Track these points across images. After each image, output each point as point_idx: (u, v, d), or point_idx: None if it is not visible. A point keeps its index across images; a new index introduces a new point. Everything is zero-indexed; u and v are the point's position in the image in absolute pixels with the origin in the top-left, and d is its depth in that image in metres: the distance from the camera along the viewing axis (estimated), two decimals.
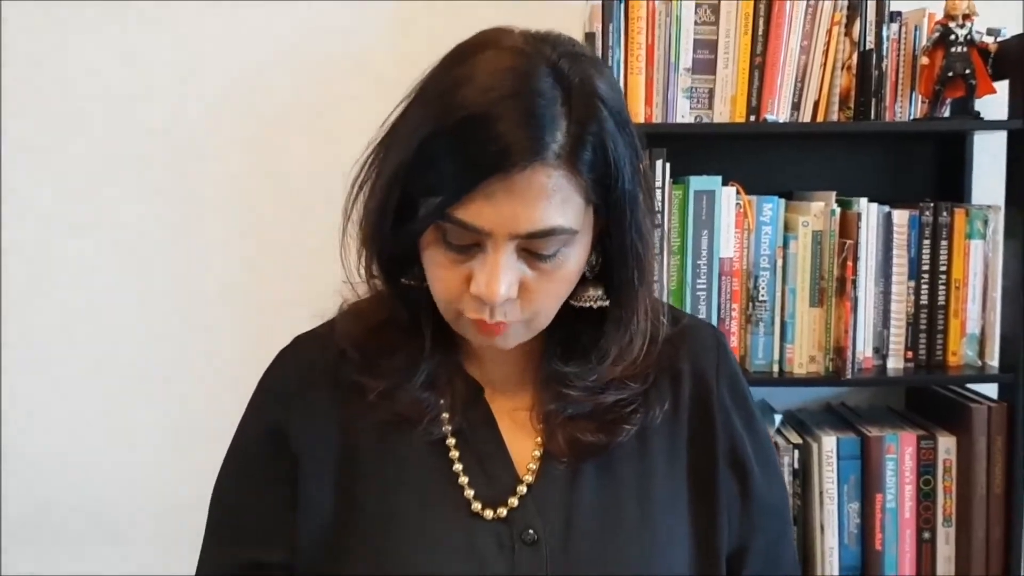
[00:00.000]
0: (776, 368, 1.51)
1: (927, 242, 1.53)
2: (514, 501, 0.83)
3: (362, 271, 0.84)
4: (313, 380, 0.88)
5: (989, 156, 1.62)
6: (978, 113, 1.50)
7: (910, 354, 1.54)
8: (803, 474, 1.54)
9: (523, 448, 0.86)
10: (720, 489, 0.87)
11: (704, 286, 1.48)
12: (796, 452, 1.53)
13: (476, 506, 0.82)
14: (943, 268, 1.53)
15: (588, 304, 0.83)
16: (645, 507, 0.84)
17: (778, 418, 1.59)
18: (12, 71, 1.65)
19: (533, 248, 0.75)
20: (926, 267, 1.53)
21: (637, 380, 0.85)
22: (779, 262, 1.50)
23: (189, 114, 1.67)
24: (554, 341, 0.85)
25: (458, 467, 0.84)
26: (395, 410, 0.84)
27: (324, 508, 0.84)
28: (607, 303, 0.83)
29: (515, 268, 0.75)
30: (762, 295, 1.50)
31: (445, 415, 0.86)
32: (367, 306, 0.88)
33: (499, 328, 0.78)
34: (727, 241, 1.48)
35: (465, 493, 0.83)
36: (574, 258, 0.78)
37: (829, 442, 1.52)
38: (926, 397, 1.66)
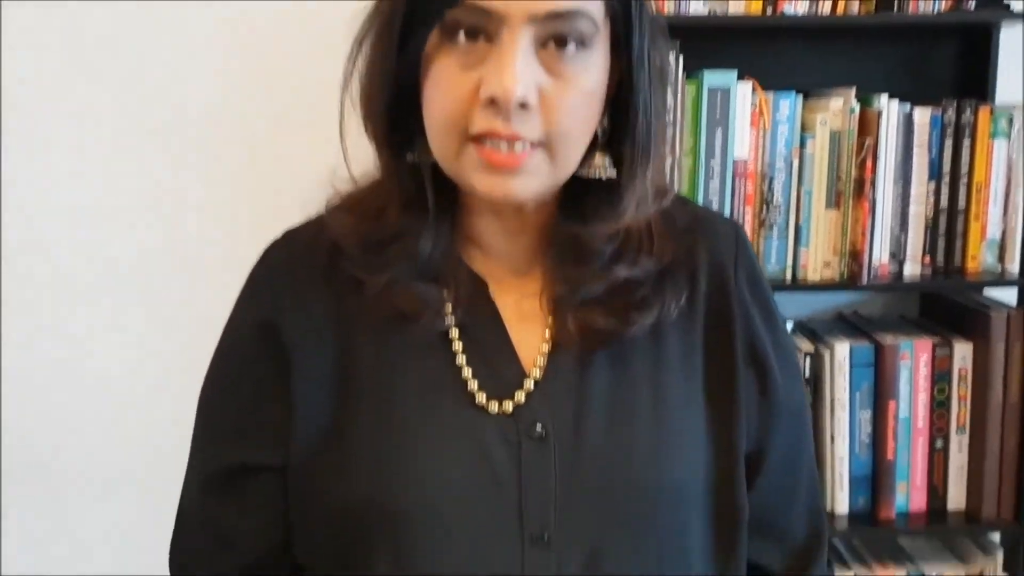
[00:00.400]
0: (789, 274, 1.47)
1: (949, 142, 1.46)
2: (520, 396, 0.79)
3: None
4: (306, 274, 0.83)
5: (1015, 52, 1.55)
6: (1007, 4, 1.42)
7: (928, 259, 1.48)
8: (814, 382, 1.51)
9: (530, 342, 0.81)
10: (739, 387, 0.83)
11: (717, 188, 1.42)
12: (808, 360, 1.50)
13: (480, 399, 0.78)
14: (965, 169, 1.47)
15: (596, 175, 0.78)
16: (659, 403, 0.80)
17: (789, 325, 1.55)
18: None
19: (554, 32, 0.69)
20: (947, 168, 1.47)
21: (651, 258, 0.80)
22: (795, 163, 1.44)
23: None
24: (564, 212, 0.80)
25: (461, 360, 0.80)
26: (393, 304, 0.79)
27: (319, 406, 0.79)
28: (615, 174, 0.78)
29: (533, 66, 0.69)
30: (777, 198, 1.44)
31: (447, 309, 0.81)
32: (361, 196, 0.83)
33: (515, 159, 0.71)
34: (741, 141, 1.41)
35: (468, 387, 0.79)
36: (594, 72, 0.72)
37: (842, 349, 1.48)
38: (941, 305, 1.61)
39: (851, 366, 1.49)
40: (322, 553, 0.80)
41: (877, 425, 1.50)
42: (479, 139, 0.71)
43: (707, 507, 0.81)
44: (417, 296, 0.79)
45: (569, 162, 0.75)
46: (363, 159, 0.83)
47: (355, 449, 0.78)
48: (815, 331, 1.57)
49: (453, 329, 0.81)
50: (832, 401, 1.49)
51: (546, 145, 0.72)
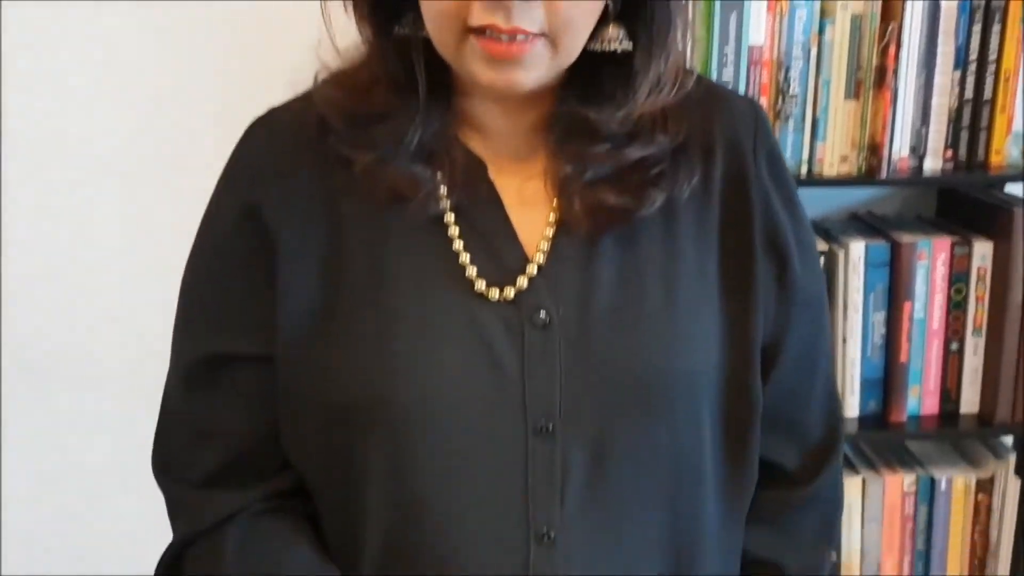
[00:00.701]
0: (805, 169, 1.40)
1: (977, 28, 1.37)
2: (523, 282, 0.74)
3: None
4: (291, 152, 0.77)
5: None
6: None
7: (950, 153, 1.41)
8: (827, 283, 1.45)
9: (533, 226, 0.76)
10: (756, 274, 0.78)
11: (731, 76, 1.34)
12: (821, 260, 1.44)
13: (480, 286, 0.73)
14: (993, 57, 1.38)
15: (609, 47, 0.71)
16: (670, 289, 0.75)
17: None
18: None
19: None
20: (974, 56, 1.38)
21: (666, 136, 0.74)
22: (813, 50, 1.36)
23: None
24: (571, 90, 0.74)
25: (458, 245, 0.74)
26: (385, 185, 0.74)
27: (307, 291, 0.74)
28: (630, 46, 0.71)
29: None
30: (793, 88, 1.37)
31: (442, 191, 0.75)
32: (350, 72, 0.77)
33: (517, 50, 0.65)
34: (757, 26, 1.33)
35: (467, 273, 0.74)
36: None
37: (857, 248, 1.42)
38: (961, 204, 1.55)
39: (866, 266, 1.43)
40: (312, 449, 0.76)
41: (891, 327, 1.45)
42: (479, 29, 0.66)
43: (719, 399, 0.77)
44: (407, 177, 0.73)
45: (573, 50, 0.70)
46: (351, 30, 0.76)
47: (346, 338, 0.73)
48: (829, 231, 1.51)
49: (449, 213, 0.75)
50: (845, 302, 1.44)
51: (549, 35, 0.67)
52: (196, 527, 0.79)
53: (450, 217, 0.75)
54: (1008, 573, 1.49)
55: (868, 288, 1.44)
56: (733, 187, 0.78)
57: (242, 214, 0.76)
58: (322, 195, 0.75)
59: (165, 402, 0.81)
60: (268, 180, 0.76)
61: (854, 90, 1.37)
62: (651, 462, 0.74)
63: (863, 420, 1.47)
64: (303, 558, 0.77)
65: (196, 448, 0.79)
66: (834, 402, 0.88)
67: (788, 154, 1.39)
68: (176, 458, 0.81)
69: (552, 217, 0.76)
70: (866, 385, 1.47)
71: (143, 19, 1.51)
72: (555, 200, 0.75)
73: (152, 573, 0.82)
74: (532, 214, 0.76)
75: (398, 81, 0.73)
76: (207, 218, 0.80)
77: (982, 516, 1.51)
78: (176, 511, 0.82)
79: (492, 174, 0.77)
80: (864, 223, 1.56)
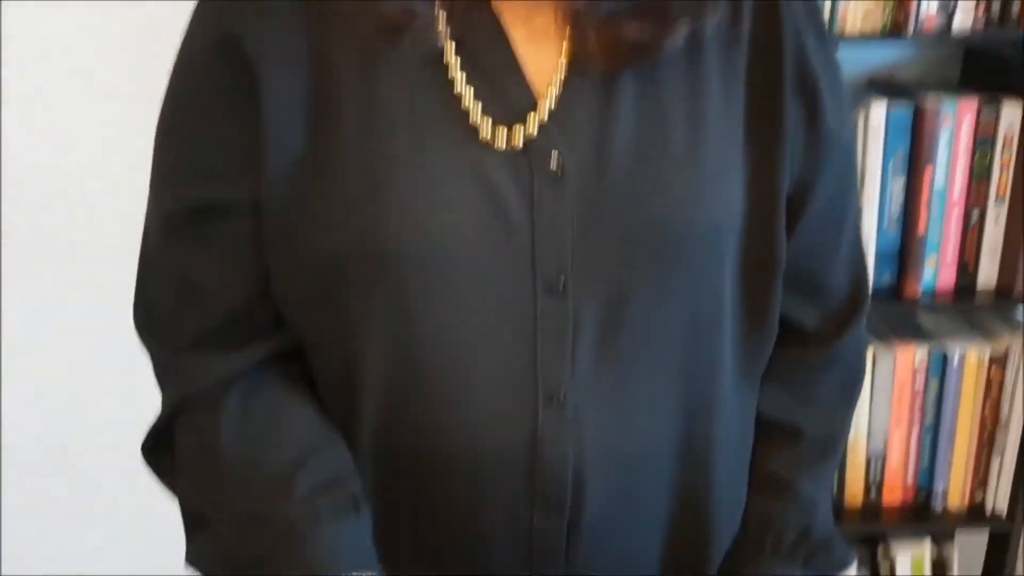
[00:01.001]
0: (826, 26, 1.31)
1: None
2: (532, 127, 0.67)
3: None
4: None
5: None
6: None
7: (982, 8, 1.32)
8: None
9: (543, 63, 0.69)
10: (786, 114, 0.71)
11: None
12: None
13: (484, 132, 0.66)
14: None
15: None
16: (695, 131, 0.68)
17: None
18: None
19: None
20: None
21: None
22: None
23: None
24: None
25: (460, 86, 0.67)
26: (376, 13, 0.66)
27: (295, 130, 0.67)
28: None
29: None
30: None
31: (441, 23, 0.67)
32: None
33: None
34: None
35: (470, 118, 0.67)
36: None
37: (878, 112, 1.34)
38: (988, 67, 1.46)
39: (887, 130, 1.35)
40: (306, 303, 0.70)
41: (909, 196, 1.39)
42: None
43: (741, 252, 0.72)
44: (400, 5, 0.66)
45: None
46: None
47: (339, 183, 0.66)
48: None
49: (449, 48, 0.68)
50: (863, 171, 1.37)
51: None
52: (188, 391, 0.74)
53: (450, 54, 0.68)
54: (1017, 447, 1.47)
55: (888, 154, 1.37)
56: (763, 18, 0.71)
57: (220, 47, 0.68)
58: (306, 23, 0.68)
59: (143, 257, 0.76)
60: (246, 7, 0.68)
61: None
62: (667, 320, 0.70)
63: (876, 293, 1.42)
64: (303, 425, 0.72)
65: (184, 306, 0.73)
66: (860, 262, 0.83)
67: None
68: (162, 318, 0.75)
69: (564, 55, 0.68)
70: (881, 258, 1.41)
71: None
72: (567, 34, 0.68)
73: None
74: (541, 51, 0.69)
75: None
76: (181, 55, 0.72)
77: (994, 391, 1.47)
78: (165, 375, 0.77)
79: (495, 5, 0.69)
80: (885, 87, 1.48)
